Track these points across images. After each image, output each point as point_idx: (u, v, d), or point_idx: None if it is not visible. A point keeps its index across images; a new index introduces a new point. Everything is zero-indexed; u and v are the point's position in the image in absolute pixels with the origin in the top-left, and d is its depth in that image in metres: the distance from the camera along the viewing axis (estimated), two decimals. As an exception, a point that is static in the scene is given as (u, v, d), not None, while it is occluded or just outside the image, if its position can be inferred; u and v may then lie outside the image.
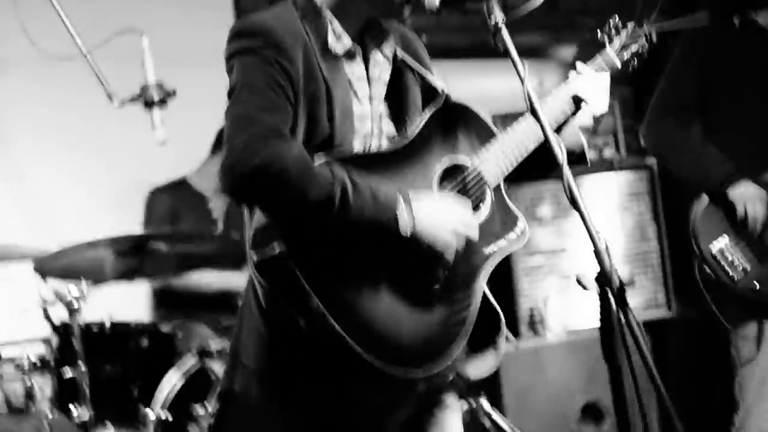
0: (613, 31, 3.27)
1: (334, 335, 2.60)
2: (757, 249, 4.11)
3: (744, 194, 4.10)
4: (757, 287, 4.07)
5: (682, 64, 4.36)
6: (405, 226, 2.67)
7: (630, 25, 3.28)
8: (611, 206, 6.22)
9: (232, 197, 2.72)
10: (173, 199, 5.65)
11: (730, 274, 4.07)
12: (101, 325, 4.50)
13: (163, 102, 4.30)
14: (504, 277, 5.90)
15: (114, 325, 4.53)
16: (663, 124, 4.37)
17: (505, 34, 2.71)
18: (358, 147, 2.84)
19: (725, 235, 4.13)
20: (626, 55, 3.24)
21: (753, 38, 4.35)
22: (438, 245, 2.72)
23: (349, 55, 2.88)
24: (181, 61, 5.42)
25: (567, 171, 2.54)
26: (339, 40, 2.86)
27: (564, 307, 5.91)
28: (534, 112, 2.64)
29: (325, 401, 2.75)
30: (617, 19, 3.30)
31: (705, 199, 4.21)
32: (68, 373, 4.28)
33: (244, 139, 2.62)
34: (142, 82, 4.41)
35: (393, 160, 2.83)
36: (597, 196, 6.18)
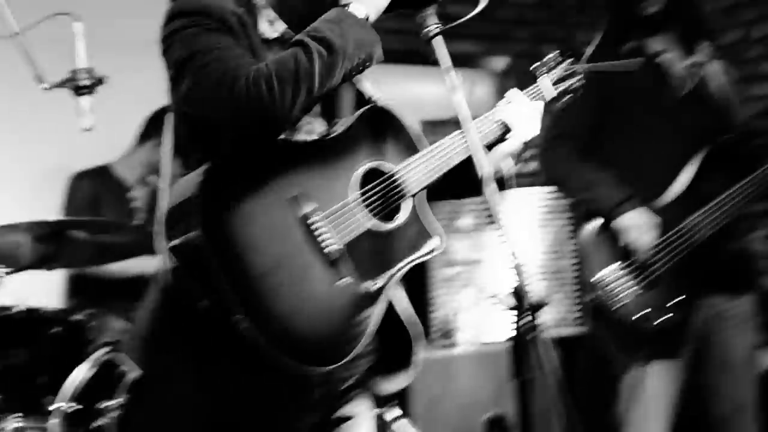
0: (551, 64, 3.29)
1: (232, 318, 2.57)
2: (643, 278, 4.14)
3: (631, 222, 4.13)
4: (642, 315, 4.10)
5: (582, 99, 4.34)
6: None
7: (567, 61, 3.31)
8: (532, 221, 6.28)
9: (258, 124, 2.65)
10: (95, 186, 5.61)
11: (616, 301, 4.10)
12: (12, 309, 4.43)
13: (92, 88, 4.26)
14: (419, 286, 5.93)
15: (25, 310, 4.45)
16: (559, 150, 4.40)
17: (439, 44, 2.74)
18: (286, 135, 2.81)
19: (614, 263, 4.16)
20: (559, 88, 3.28)
21: (644, 66, 4.38)
22: None
23: (283, 41, 2.86)
24: (112, 48, 5.38)
25: (491, 187, 2.58)
26: (272, 25, 2.87)
27: (477, 319, 5.95)
28: (462, 125, 2.67)
29: (216, 383, 2.73)
30: (557, 53, 3.33)
31: (595, 223, 4.25)
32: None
33: (219, 79, 2.61)
34: (73, 67, 4.37)
35: (318, 154, 2.82)
36: (519, 211, 6.23)
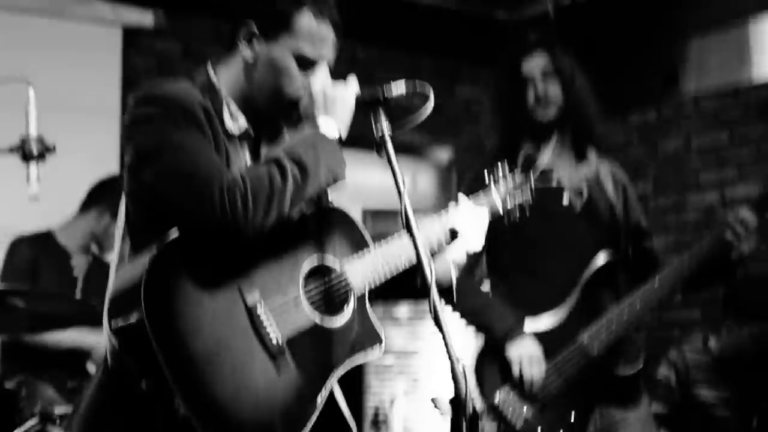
0: (500, 176, 3.34)
1: (173, 402, 2.58)
2: (536, 398, 4.08)
3: (521, 353, 4.05)
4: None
5: None
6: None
7: (517, 173, 3.35)
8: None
9: (234, 233, 2.68)
10: (36, 251, 5.56)
11: (513, 423, 4.05)
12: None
13: (41, 157, 4.25)
14: (353, 373, 5.91)
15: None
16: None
17: (389, 145, 2.77)
18: None
19: (506, 385, 4.10)
20: (510, 203, 3.32)
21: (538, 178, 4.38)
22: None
23: (241, 138, 2.92)
24: (61, 112, 5.38)
25: (434, 292, 2.60)
26: (235, 121, 2.91)
27: (409, 410, 5.94)
28: (409, 230, 2.70)
29: None
30: (506, 165, 3.37)
31: (480, 345, 4.20)
32: None
33: (198, 190, 2.64)
34: (23, 133, 4.36)
35: (268, 244, 2.82)
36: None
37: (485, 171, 3.36)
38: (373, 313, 2.99)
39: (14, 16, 6.14)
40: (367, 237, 3.05)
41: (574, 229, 4.26)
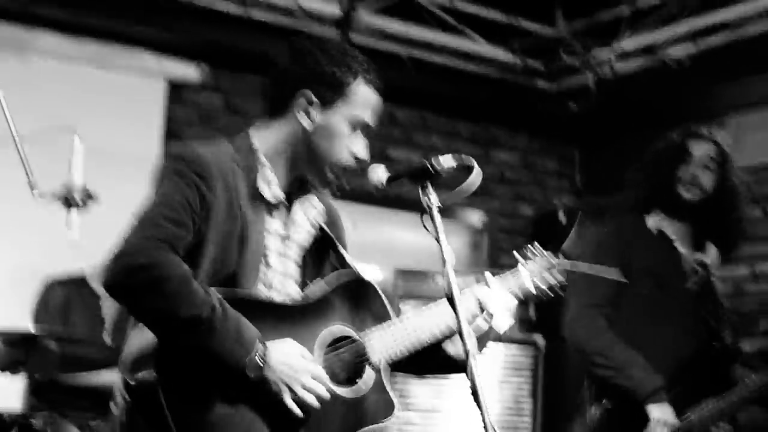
0: (530, 255, 3.35)
1: None
2: None
3: (664, 417, 4.11)
4: None
5: (604, 259, 4.18)
6: (254, 368, 2.75)
7: (548, 254, 3.35)
8: (492, 376, 6.29)
9: (108, 288, 2.78)
10: (68, 294, 5.61)
11: None
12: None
13: (84, 204, 4.32)
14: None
15: (-17, 412, 4.43)
16: (596, 321, 4.34)
17: (437, 218, 2.81)
18: (258, 294, 2.95)
19: None
20: (541, 284, 3.30)
21: (656, 242, 4.47)
22: (277, 396, 2.80)
23: (272, 205, 3.00)
24: (102, 160, 5.45)
25: (473, 364, 2.62)
26: (269, 186, 2.99)
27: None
28: (452, 303, 2.72)
29: None
30: (536, 245, 3.38)
31: (606, 403, 4.25)
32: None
33: (140, 237, 2.76)
34: (67, 180, 4.43)
35: (286, 317, 2.93)
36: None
37: (514, 250, 3.37)
38: (389, 385, 3.02)
39: (61, 65, 6.25)
40: (390, 310, 3.10)
41: (688, 306, 4.36)
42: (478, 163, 2.84)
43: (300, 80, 3.00)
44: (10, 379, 4.77)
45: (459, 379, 5.61)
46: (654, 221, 4.44)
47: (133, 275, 2.70)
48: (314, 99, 2.98)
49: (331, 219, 3.19)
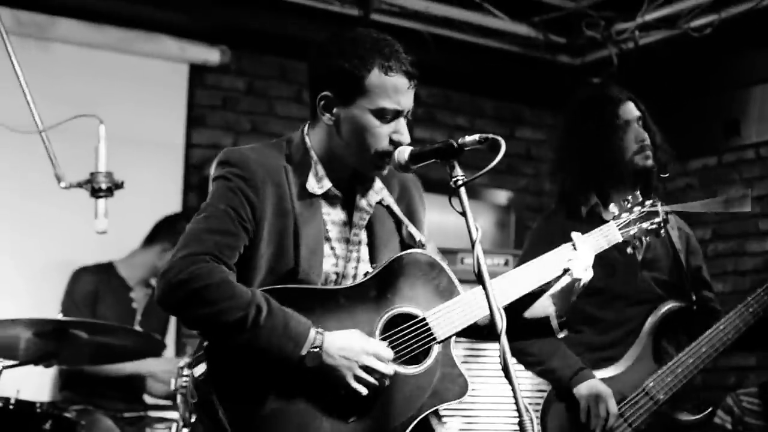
0: (628, 205, 3.35)
1: None
2: None
3: (590, 393, 4.04)
4: None
5: (537, 247, 3.84)
6: (311, 357, 2.79)
7: (648, 202, 3.36)
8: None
9: (159, 305, 2.89)
10: (97, 281, 5.64)
11: None
12: (7, 401, 4.40)
13: (110, 192, 4.31)
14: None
15: (19, 403, 4.43)
16: None
17: (463, 195, 2.81)
18: (323, 283, 2.98)
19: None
20: (633, 230, 3.33)
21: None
22: (341, 381, 2.83)
23: (328, 197, 3.02)
24: (126, 146, 5.45)
25: (504, 341, 2.63)
26: (319, 182, 3.02)
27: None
28: (480, 278, 2.71)
29: None
30: (638, 194, 3.38)
31: (552, 394, 4.19)
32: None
33: (183, 255, 2.83)
34: (92, 168, 4.43)
35: (345, 299, 2.94)
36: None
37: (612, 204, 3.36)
38: (457, 360, 3.01)
39: (84, 51, 6.24)
40: (456, 283, 3.08)
41: (636, 278, 4.24)
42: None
43: (319, 82, 3.03)
44: (41, 371, 4.80)
45: (491, 357, 5.65)
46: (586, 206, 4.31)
47: (175, 291, 2.80)
48: (334, 99, 3.00)
49: (405, 193, 3.20)
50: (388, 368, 2.87)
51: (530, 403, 2.64)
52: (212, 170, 3.02)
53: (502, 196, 7.99)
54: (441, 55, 6.93)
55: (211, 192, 2.98)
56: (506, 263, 5.84)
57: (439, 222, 6.39)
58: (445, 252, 5.98)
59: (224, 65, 6.78)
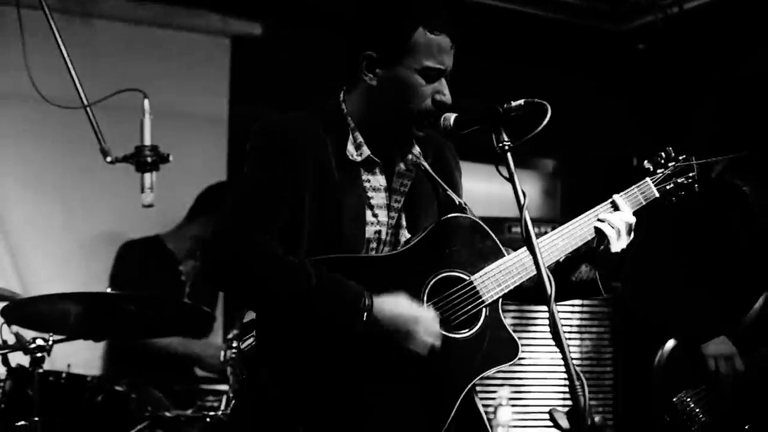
0: (662, 161, 3.32)
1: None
2: (719, 404, 4.12)
3: (718, 351, 4.12)
4: None
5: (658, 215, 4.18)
6: (362, 323, 2.77)
7: (681, 157, 3.33)
8: (571, 323, 6.23)
9: (206, 282, 2.87)
10: (145, 255, 5.68)
11: (689, 425, 4.07)
12: (58, 375, 4.45)
13: (155, 166, 4.32)
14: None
15: (70, 376, 4.48)
16: (644, 274, 4.35)
17: (509, 159, 2.79)
18: (365, 251, 2.95)
19: (689, 387, 4.15)
20: (669, 185, 3.30)
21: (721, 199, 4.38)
22: (392, 347, 2.81)
23: (367, 164, 2.99)
24: (171, 120, 5.46)
25: (553, 306, 2.61)
26: (358, 149, 2.99)
27: (513, 417, 5.89)
28: (528, 243, 2.70)
29: None
30: (670, 149, 3.36)
31: (671, 344, 4.23)
32: (20, 422, 4.18)
33: (226, 229, 2.83)
34: (138, 142, 4.44)
35: (390, 266, 2.93)
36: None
37: (645, 160, 3.35)
38: (506, 323, 2.99)
39: (127, 27, 6.25)
40: (500, 245, 3.06)
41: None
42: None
43: (361, 41, 2.99)
44: (91, 345, 4.82)
45: (541, 327, 5.64)
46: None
47: (221, 268, 2.79)
48: (377, 58, 2.96)
49: (440, 158, 3.17)
50: (437, 337, 2.84)
51: (581, 370, 2.62)
52: (250, 141, 2.99)
53: (547, 165, 7.95)
54: (485, 24, 6.89)
55: (249, 162, 2.96)
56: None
57: (484, 190, 6.40)
58: (491, 220, 6.01)
59: (266, 38, 6.76)
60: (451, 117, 2.96)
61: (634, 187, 3.26)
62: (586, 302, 6.27)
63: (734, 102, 4.51)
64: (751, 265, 4.31)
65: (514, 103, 2.85)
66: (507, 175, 2.77)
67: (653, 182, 3.28)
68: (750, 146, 4.20)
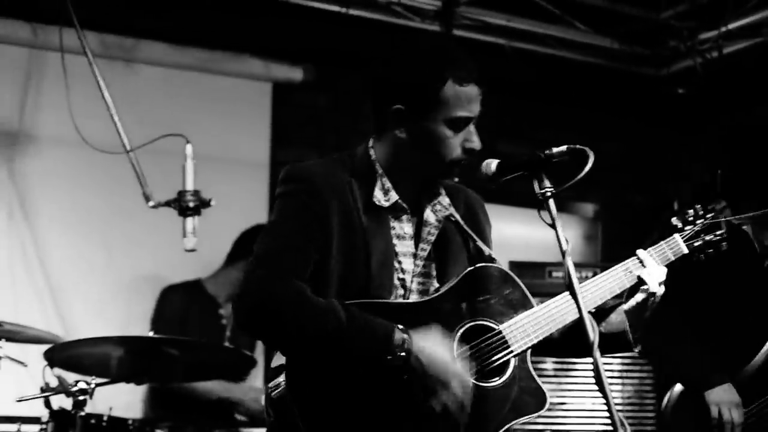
0: (691, 218, 3.31)
1: None
2: None
3: (721, 398, 4.10)
4: None
5: None
6: (398, 358, 2.77)
7: (710, 215, 3.32)
8: (612, 368, 6.18)
9: (240, 329, 2.98)
10: (186, 299, 5.70)
11: None
12: (100, 418, 4.45)
13: (197, 210, 4.36)
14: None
15: (112, 420, 4.48)
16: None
17: (552, 206, 2.79)
18: (393, 297, 2.95)
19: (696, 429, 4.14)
20: (697, 242, 3.28)
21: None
22: (424, 393, 2.80)
23: (395, 210, 3.00)
24: (212, 165, 5.50)
25: (597, 353, 2.59)
26: (386, 194, 2.99)
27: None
28: (572, 290, 2.70)
29: None
30: (699, 206, 3.34)
31: (678, 389, 4.22)
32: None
33: (258, 275, 2.83)
34: (180, 187, 4.48)
35: (420, 312, 2.92)
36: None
37: (674, 217, 3.34)
38: (534, 373, 2.99)
39: (169, 72, 6.31)
40: (529, 295, 3.06)
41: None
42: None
43: (388, 96, 2.99)
44: (132, 388, 4.84)
45: (583, 372, 5.61)
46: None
47: (254, 315, 2.79)
48: (407, 111, 2.96)
49: (470, 211, 3.17)
50: (468, 399, 2.83)
51: (623, 416, 2.61)
52: (278, 187, 3.01)
53: (588, 209, 7.94)
54: (523, 68, 6.90)
55: (277, 209, 2.98)
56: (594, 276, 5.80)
57: (524, 235, 6.39)
58: (530, 265, 6.00)
59: (307, 83, 6.80)
60: (493, 163, 2.96)
61: (662, 243, 3.25)
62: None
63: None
64: (757, 311, 4.28)
65: (556, 150, 2.85)
66: (549, 222, 2.77)
67: (682, 238, 3.27)
68: None
